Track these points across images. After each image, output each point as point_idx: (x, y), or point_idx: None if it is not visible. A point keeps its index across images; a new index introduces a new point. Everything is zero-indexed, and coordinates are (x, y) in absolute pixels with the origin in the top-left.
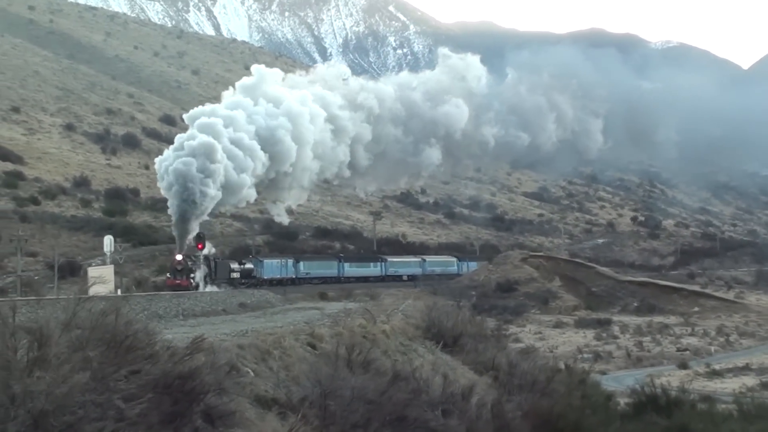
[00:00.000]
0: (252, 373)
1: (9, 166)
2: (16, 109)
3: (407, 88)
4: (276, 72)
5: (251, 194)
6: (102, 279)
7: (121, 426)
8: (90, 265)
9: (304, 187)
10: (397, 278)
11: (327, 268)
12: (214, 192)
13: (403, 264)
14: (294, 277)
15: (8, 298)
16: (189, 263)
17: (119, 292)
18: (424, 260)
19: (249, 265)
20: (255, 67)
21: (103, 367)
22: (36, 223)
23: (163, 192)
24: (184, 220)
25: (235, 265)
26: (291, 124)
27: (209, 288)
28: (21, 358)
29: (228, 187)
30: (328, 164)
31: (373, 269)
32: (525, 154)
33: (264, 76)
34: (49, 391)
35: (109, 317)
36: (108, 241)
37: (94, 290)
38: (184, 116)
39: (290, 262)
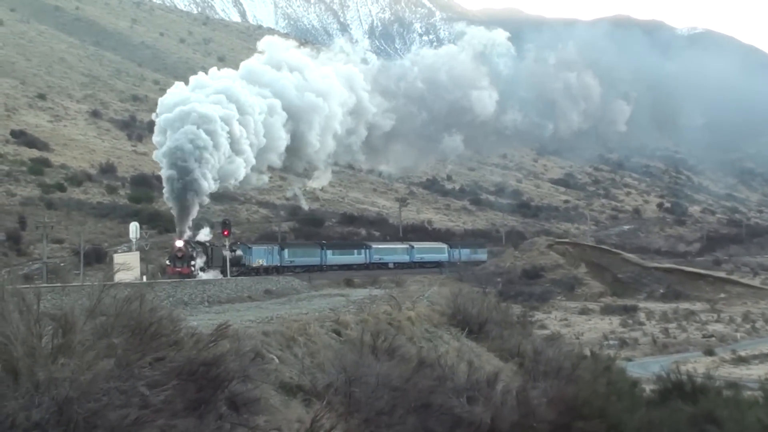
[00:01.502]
0: (277, 360)
1: (35, 153)
2: (42, 96)
3: (431, 69)
4: (290, 44)
5: (256, 176)
6: (127, 266)
7: (146, 413)
8: (116, 251)
9: (323, 169)
10: (383, 266)
11: (310, 256)
12: (213, 171)
13: (389, 251)
14: (279, 264)
15: (33, 285)
16: (190, 250)
17: (144, 278)
18: (412, 247)
19: (239, 252)
20: (266, 41)
21: (128, 354)
22: (62, 210)
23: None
24: (182, 201)
25: (226, 252)
26: (322, 101)
27: (207, 275)
28: (45, 345)
29: (225, 168)
30: (344, 146)
31: (356, 257)
32: (550, 139)
33: (276, 48)
34: (73, 378)
35: (133, 304)
36: (134, 227)
37: (119, 277)
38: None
39: (276, 249)
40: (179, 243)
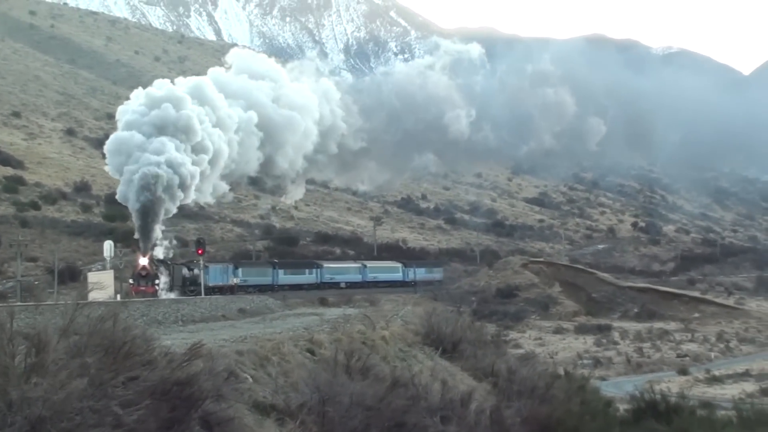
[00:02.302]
0: (250, 379)
1: (9, 171)
2: (16, 114)
3: (405, 83)
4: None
5: (218, 187)
6: (101, 284)
7: None
8: (90, 270)
9: (293, 185)
10: (334, 285)
11: (262, 275)
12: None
13: (341, 270)
14: (228, 284)
15: (6, 304)
16: (154, 268)
17: (118, 297)
18: (365, 266)
19: (197, 271)
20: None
21: (101, 374)
22: (36, 228)
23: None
24: (146, 217)
25: (185, 271)
26: (299, 117)
27: (169, 295)
28: (19, 364)
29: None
30: (314, 162)
31: (307, 276)
32: (524, 156)
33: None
34: (46, 397)
35: (107, 323)
36: (108, 246)
37: (93, 296)
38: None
39: (230, 268)
40: (143, 261)
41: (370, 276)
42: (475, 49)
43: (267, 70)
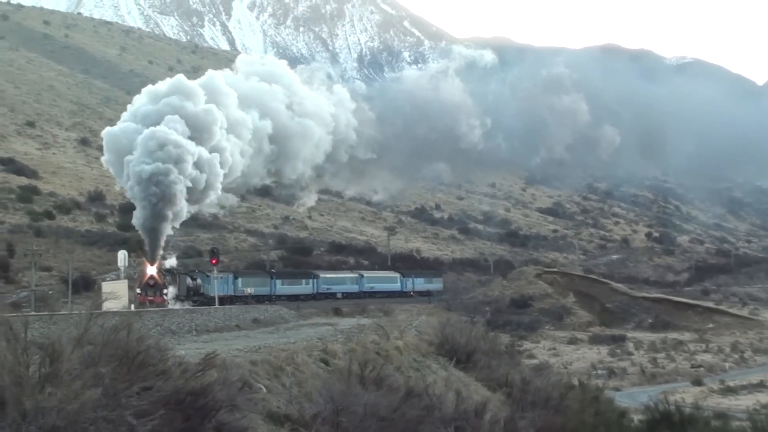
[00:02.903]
0: (264, 390)
1: (24, 181)
2: (31, 124)
3: (418, 89)
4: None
5: (225, 197)
6: (115, 294)
7: None
8: (104, 280)
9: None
10: (331, 296)
11: (261, 285)
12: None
13: (337, 281)
14: (233, 294)
15: (21, 314)
16: (162, 278)
17: (132, 307)
18: (362, 276)
19: (198, 281)
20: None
21: (115, 384)
22: (50, 238)
23: (127, 193)
24: (154, 224)
25: (188, 281)
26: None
27: (176, 305)
28: (33, 374)
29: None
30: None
31: (304, 287)
32: (537, 165)
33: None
34: (60, 407)
35: (121, 333)
36: (122, 255)
37: (107, 305)
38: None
39: (230, 278)
40: (151, 270)
41: (367, 286)
42: (488, 55)
43: (279, 74)
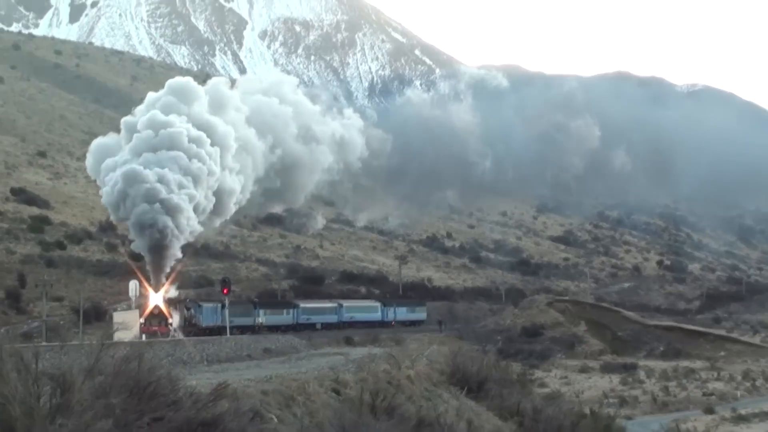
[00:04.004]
0: (276, 420)
1: (35, 211)
2: (42, 154)
3: (427, 110)
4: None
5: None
6: (126, 324)
7: None
8: (115, 310)
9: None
10: (310, 327)
11: (245, 315)
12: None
13: (317, 311)
14: (220, 324)
15: (32, 344)
16: (167, 307)
17: (143, 337)
18: (341, 306)
19: (192, 311)
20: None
21: (126, 414)
22: (62, 268)
23: (112, 216)
24: (158, 250)
25: (183, 311)
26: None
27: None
28: (44, 404)
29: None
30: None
31: (285, 317)
32: (549, 192)
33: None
34: None
35: (132, 363)
36: (133, 286)
37: (118, 336)
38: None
39: (218, 308)
40: (155, 299)
41: (347, 316)
42: (499, 76)
43: (285, 93)
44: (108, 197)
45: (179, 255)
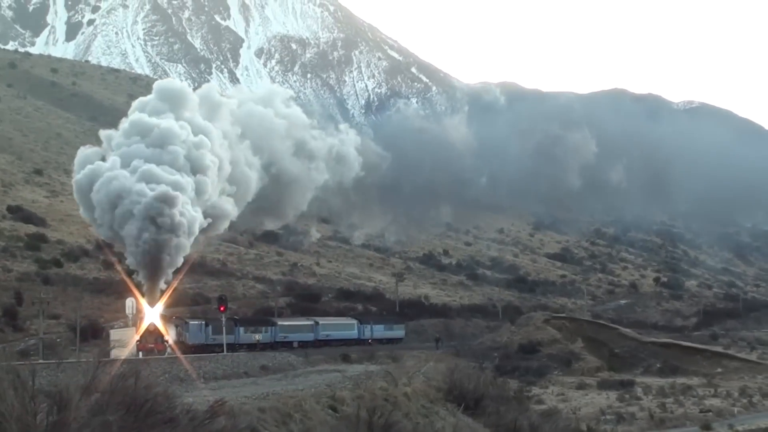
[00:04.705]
0: None
1: (32, 229)
2: (38, 172)
3: (421, 123)
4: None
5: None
6: (123, 342)
7: None
8: (112, 327)
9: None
10: (287, 344)
11: (229, 333)
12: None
13: (294, 329)
14: (204, 343)
15: (29, 361)
16: (162, 324)
17: (140, 354)
18: (317, 324)
19: (179, 328)
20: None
21: None
22: (58, 286)
23: (96, 230)
24: (155, 265)
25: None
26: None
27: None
28: (40, 422)
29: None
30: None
31: (264, 335)
32: (546, 208)
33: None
34: None
35: (129, 381)
36: (130, 303)
37: (115, 353)
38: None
39: (202, 325)
40: (151, 316)
41: (323, 334)
42: (494, 90)
43: (279, 105)
44: (97, 211)
45: (172, 272)
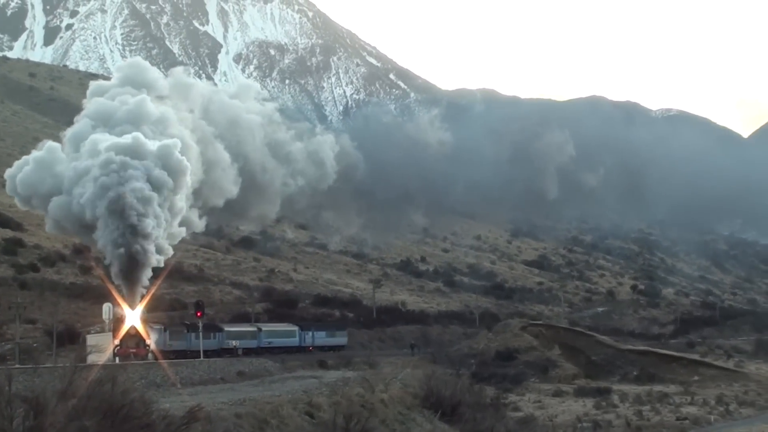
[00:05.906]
0: None
1: (9, 233)
2: None
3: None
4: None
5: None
6: (100, 347)
7: None
8: (89, 332)
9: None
10: (230, 351)
11: (183, 340)
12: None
13: (239, 335)
14: (162, 349)
15: (5, 367)
16: (144, 327)
17: (117, 360)
18: (260, 330)
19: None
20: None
21: None
22: (35, 290)
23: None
24: (134, 268)
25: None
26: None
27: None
28: (17, 427)
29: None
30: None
31: (211, 341)
32: (523, 214)
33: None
34: None
35: (105, 386)
36: (107, 308)
37: (91, 358)
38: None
39: (162, 329)
40: (131, 319)
41: (265, 341)
42: (473, 96)
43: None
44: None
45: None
